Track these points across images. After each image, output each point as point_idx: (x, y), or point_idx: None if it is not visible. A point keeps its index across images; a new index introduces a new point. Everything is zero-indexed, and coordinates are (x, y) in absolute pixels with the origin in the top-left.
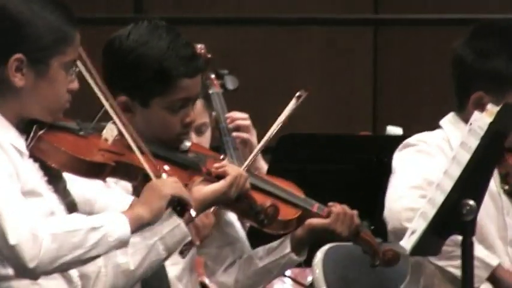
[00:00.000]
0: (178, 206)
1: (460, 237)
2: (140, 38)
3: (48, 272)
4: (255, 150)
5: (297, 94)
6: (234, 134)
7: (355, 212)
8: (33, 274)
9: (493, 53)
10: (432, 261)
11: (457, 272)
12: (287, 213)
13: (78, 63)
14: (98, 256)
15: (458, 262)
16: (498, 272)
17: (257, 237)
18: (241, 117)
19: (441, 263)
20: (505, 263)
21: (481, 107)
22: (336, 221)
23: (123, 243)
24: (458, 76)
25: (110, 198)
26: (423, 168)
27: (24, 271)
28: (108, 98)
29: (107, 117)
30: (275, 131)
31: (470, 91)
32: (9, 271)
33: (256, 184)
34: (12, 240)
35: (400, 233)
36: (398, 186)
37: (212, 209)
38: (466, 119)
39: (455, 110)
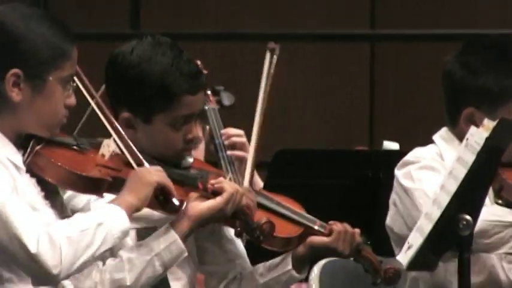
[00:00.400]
0: (161, 195)
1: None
2: (143, 54)
3: (70, 275)
4: (248, 165)
5: (269, 47)
6: (229, 152)
7: (356, 231)
8: (56, 280)
9: (481, 69)
10: (494, 253)
11: None
12: (288, 230)
13: (76, 79)
14: (107, 251)
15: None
16: None
17: (257, 254)
18: (236, 134)
19: (503, 251)
20: (499, 276)
21: (473, 123)
22: (338, 240)
23: (125, 234)
24: (448, 92)
25: None
26: (434, 181)
27: (47, 278)
28: (106, 115)
29: (105, 133)
30: (264, 102)
31: (460, 107)
32: (13, 275)
33: (258, 201)
34: (32, 249)
35: None
36: (418, 200)
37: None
38: (458, 134)
39: (448, 125)
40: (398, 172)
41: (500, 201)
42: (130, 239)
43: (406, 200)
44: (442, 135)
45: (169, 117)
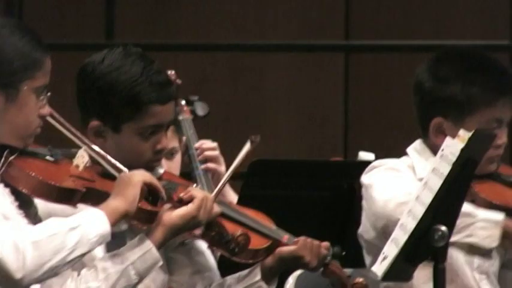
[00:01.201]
0: (150, 195)
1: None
2: (113, 63)
3: (37, 280)
4: (221, 183)
5: (251, 138)
6: (203, 166)
7: (324, 244)
8: (20, 284)
9: (450, 79)
10: (467, 263)
11: (474, 240)
12: (257, 242)
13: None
14: (83, 255)
15: (469, 231)
16: (506, 225)
17: (227, 266)
18: (209, 148)
19: (455, 239)
20: (471, 285)
21: (442, 133)
22: (304, 248)
23: (104, 238)
24: (418, 102)
25: None
26: (395, 179)
27: (11, 283)
28: (74, 132)
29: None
30: (229, 177)
31: (430, 117)
32: None
33: (227, 213)
34: None
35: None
36: (380, 195)
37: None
38: (430, 146)
39: (421, 136)
40: (364, 176)
41: None
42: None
43: (367, 197)
44: (415, 147)
45: (137, 127)
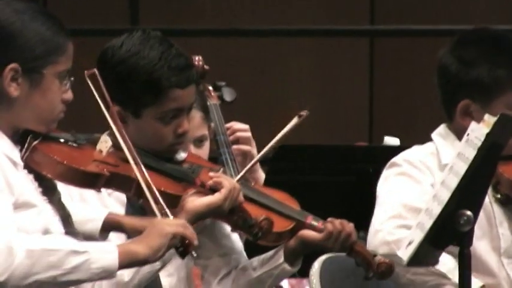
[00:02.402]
0: (181, 246)
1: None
2: (132, 48)
3: (18, 287)
4: (250, 164)
5: (300, 113)
6: (235, 146)
7: (352, 228)
8: (2, 285)
9: (475, 62)
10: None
11: None
12: (280, 225)
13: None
14: (79, 281)
15: None
16: None
17: (254, 249)
18: (241, 129)
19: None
20: (500, 274)
21: (469, 116)
22: (329, 239)
23: (108, 274)
24: (443, 86)
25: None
26: (403, 194)
27: None
28: (108, 109)
29: (102, 128)
30: (272, 147)
31: (456, 100)
32: None
33: (250, 196)
34: None
35: (390, 255)
36: (377, 218)
37: None
38: (455, 130)
39: (447, 120)
40: (384, 172)
41: (498, 196)
42: None
43: (376, 206)
44: (439, 132)
45: (158, 111)
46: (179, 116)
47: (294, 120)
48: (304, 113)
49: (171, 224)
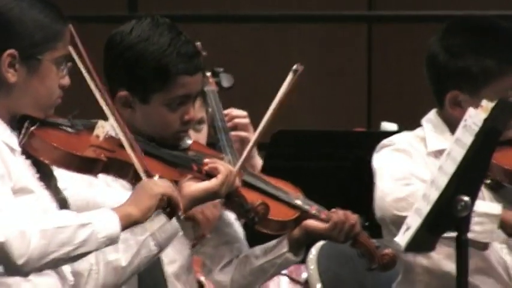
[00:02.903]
0: (168, 207)
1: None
2: (142, 34)
3: (37, 269)
4: (253, 139)
5: (293, 68)
6: (233, 133)
7: (356, 219)
8: (22, 271)
9: (463, 51)
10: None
11: (471, 236)
12: (284, 214)
13: (76, 58)
14: (87, 253)
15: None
16: (504, 217)
17: (257, 238)
18: (239, 115)
19: (453, 234)
20: (492, 258)
21: (458, 105)
22: (333, 229)
23: (112, 241)
24: (432, 75)
25: (107, 197)
26: (402, 163)
27: (13, 268)
28: (104, 95)
29: (99, 114)
30: (275, 111)
31: (445, 90)
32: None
33: (254, 184)
34: (0, 238)
35: (399, 221)
36: (381, 185)
37: (219, 200)
38: (445, 118)
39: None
40: (375, 154)
41: (488, 181)
42: None
43: (376, 181)
44: (429, 117)
45: (165, 98)
46: (186, 103)
47: (289, 77)
48: (299, 67)
49: (159, 185)
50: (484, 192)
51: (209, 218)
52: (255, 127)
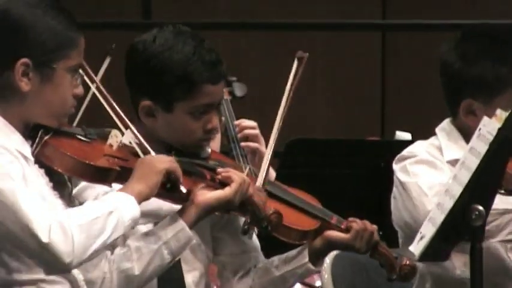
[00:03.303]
0: (169, 182)
1: (496, 206)
2: (166, 42)
3: (82, 263)
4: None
5: (297, 55)
6: (243, 144)
7: (375, 228)
8: (68, 268)
9: (477, 59)
10: (491, 241)
11: None
12: (306, 223)
13: (85, 76)
14: (118, 238)
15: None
16: None
17: (275, 247)
18: (249, 126)
19: (499, 238)
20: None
21: (472, 114)
22: (356, 238)
23: (135, 222)
24: (446, 83)
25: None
26: (429, 174)
27: (60, 266)
28: (114, 108)
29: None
30: (288, 100)
31: (459, 98)
32: (21, 265)
33: (276, 193)
34: (44, 238)
35: None
36: (413, 198)
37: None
38: (459, 127)
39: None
40: (396, 166)
41: (502, 191)
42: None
43: (403, 194)
44: (443, 127)
45: (189, 106)
46: (209, 112)
47: (295, 65)
48: (303, 54)
49: (162, 161)
50: None
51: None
52: (266, 138)
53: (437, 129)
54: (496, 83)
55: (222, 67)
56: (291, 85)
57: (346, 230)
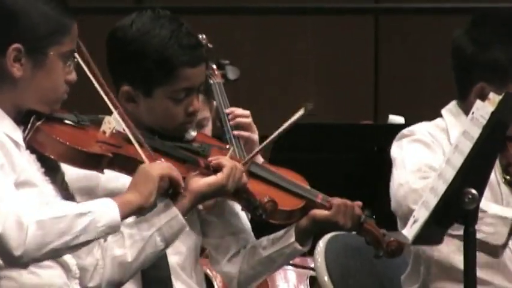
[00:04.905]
0: (170, 188)
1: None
2: (142, 27)
3: (36, 259)
4: (251, 155)
5: (306, 106)
6: (235, 132)
7: (356, 204)
8: (20, 262)
9: (491, 43)
10: (453, 233)
11: (480, 236)
12: (290, 203)
13: (76, 55)
14: (88, 242)
15: (477, 226)
16: None
17: (262, 228)
18: (242, 115)
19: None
20: (504, 254)
21: (483, 98)
22: (338, 213)
23: (112, 229)
24: (458, 67)
25: (117, 184)
26: (421, 154)
27: (10, 259)
28: (107, 92)
29: (105, 110)
30: (276, 138)
31: (471, 82)
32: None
33: (260, 174)
34: None
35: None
36: (398, 175)
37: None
38: (467, 110)
39: (457, 98)
40: (394, 143)
41: (508, 177)
42: None
43: (393, 170)
44: (450, 109)
45: (169, 91)
46: (190, 95)
47: (300, 112)
48: (309, 105)
49: (156, 168)
50: (502, 187)
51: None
52: (261, 121)
53: (443, 111)
54: (509, 67)
55: (201, 50)
56: (289, 125)
57: (330, 208)
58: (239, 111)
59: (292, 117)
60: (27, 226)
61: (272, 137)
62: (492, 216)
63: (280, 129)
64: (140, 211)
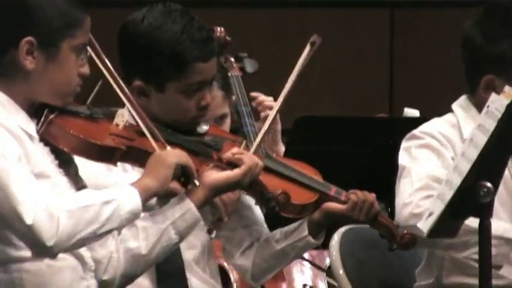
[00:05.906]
0: (183, 176)
1: (471, 224)
2: (154, 22)
3: (66, 249)
4: (271, 115)
5: (311, 40)
6: (263, 113)
7: (374, 198)
8: (51, 252)
9: (500, 36)
10: (455, 256)
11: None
12: (303, 197)
13: (89, 49)
14: (112, 230)
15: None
16: None
17: (275, 221)
18: (267, 99)
19: (465, 254)
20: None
21: (493, 90)
22: (353, 209)
23: (135, 216)
24: (468, 59)
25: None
26: (428, 165)
27: (42, 250)
28: (120, 85)
29: (118, 102)
30: (294, 82)
31: (480, 74)
32: (22, 253)
33: (273, 167)
34: (28, 220)
35: None
36: (404, 189)
37: None
38: (477, 103)
39: (467, 91)
40: (403, 144)
41: None
42: None
43: (400, 178)
44: (460, 103)
45: (181, 85)
46: (202, 89)
47: (307, 49)
48: (316, 39)
49: (173, 155)
50: None
51: (226, 202)
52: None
53: (453, 106)
54: None
55: (213, 44)
56: (301, 67)
57: (345, 201)
58: (263, 97)
59: (300, 58)
60: (58, 216)
61: (286, 89)
62: (495, 237)
63: (292, 76)
64: (155, 196)
